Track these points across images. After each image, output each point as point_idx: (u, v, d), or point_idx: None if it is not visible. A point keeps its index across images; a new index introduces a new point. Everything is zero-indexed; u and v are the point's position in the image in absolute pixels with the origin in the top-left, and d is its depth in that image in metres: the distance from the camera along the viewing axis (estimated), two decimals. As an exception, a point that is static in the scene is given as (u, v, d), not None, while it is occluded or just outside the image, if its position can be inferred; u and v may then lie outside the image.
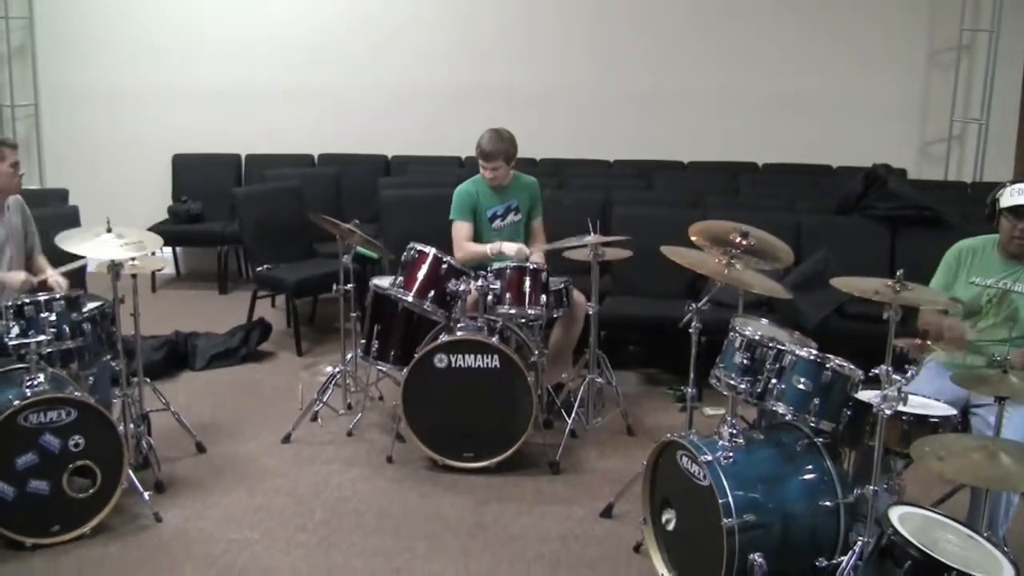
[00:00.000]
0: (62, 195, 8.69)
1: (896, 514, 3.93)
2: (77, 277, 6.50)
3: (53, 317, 5.28)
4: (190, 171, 11.10)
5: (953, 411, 4.64)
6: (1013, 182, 5.23)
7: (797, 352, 4.63)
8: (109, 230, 5.55)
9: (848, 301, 7.43)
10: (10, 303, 5.21)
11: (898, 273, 4.21)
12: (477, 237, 7.06)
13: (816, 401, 4.55)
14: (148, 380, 6.24)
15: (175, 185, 11.09)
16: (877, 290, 4.19)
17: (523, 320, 6.46)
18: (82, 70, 11.17)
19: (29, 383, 5.11)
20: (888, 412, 4.16)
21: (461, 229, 7.00)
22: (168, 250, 10.69)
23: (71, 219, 7.88)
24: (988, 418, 4.86)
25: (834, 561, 4.43)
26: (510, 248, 6.71)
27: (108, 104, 11.18)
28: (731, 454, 4.50)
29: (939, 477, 4.14)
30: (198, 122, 11.17)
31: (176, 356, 7.93)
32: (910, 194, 8.36)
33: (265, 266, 8.62)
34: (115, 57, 11.14)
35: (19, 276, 5.90)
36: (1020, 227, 5.13)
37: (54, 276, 6.05)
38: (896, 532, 3.74)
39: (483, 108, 10.59)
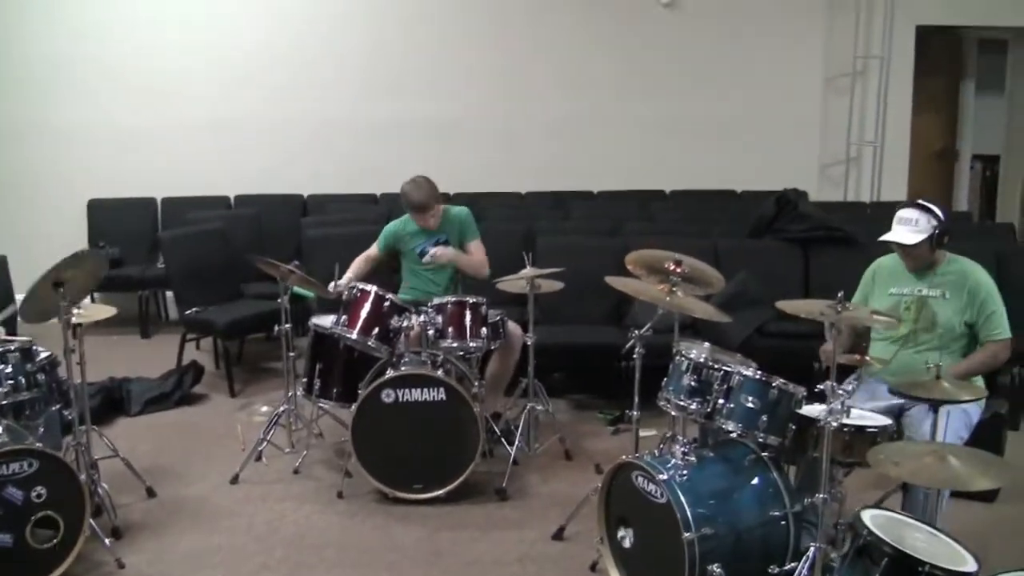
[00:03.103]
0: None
1: (868, 515, 4.18)
2: (8, 324, 6.49)
3: (9, 369, 5.32)
4: (106, 215, 11.09)
5: (889, 421, 4.91)
6: (903, 205, 5.68)
7: (743, 372, 4.87)
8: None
9: (768, 321, 7.73)
10: (-37, 357, 5.24)
11: (839, 295, 4.44)
12: (409, 271, 7.33)
13: (764, 418, 4.80)
14: (95, 428, 6.26)
15: (91, 229, 11.08)
16: (822, 311, 4.42)
17: (462, 353, 6.62)
18: (-2, 106, 11.09)
19: (-12, 435, 5.12)
20: (834, 425, 4.38)
21: (368, 250, 7.38)
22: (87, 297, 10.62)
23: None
24: (917, 419, 5.33)
25: (786, 567, 4.66)
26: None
27: (19, 146, 11.11)
28: (685, 471, 4.71)
29: (896, 480, 4.61)
30: (113, 165, 11.16)
31: (111, 402, 7.94)
32: (820, 216, 8.70)
33: (194, 309, 8.66)
34: (25, 96, 11.08)
35: None
36: (898, 252, 5.71)
37: None
38: (871, 532, 4.00)
39: (394, 143, 10.90)
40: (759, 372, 4.89)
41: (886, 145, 11.39)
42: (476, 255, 7.32)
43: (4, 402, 5.33)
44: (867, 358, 4.92)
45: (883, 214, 5.83)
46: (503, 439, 6.82)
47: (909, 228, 5.52)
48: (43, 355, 5.71)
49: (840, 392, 4.40)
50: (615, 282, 5.57)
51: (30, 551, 5.13)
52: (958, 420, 5.24)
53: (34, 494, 5.11)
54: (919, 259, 5.62)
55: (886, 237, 5.62)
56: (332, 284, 6.82)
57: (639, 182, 11.21)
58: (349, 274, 7.07)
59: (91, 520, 5.39)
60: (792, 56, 11.34)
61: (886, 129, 11.33)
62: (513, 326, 6.96)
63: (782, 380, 4.86)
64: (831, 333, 4.52)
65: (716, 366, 4.94)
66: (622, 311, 8.21)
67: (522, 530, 5.93)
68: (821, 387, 4.47)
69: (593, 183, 11.32)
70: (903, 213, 5.58)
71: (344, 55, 11.29)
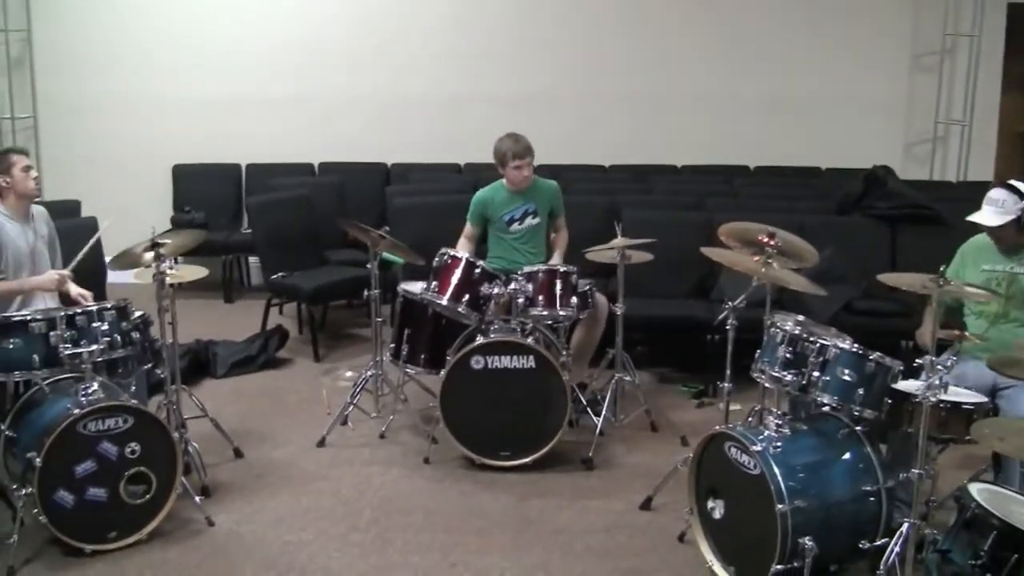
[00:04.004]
0: (74, 207, 8.73)
1: (975, 489, 4.15)
2: (97, 289, 6.52)
3: (105, 327, 5.35)
4: (191, 181, 11.21)
5: (984, 398, 4.89)
6: (993, 185, 5.64)
7: (840, 345, 4.83)
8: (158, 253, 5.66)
9: (855, 298, 7.67)
10: (63, 313, 5.29)
11: (941, 269, 4.40)
12: (495, 240, 7.33)
13: (860, 391, 4.76)
14: (185, 387, 6.35)
15: (176, 195, 11.20)
16: (924, 284, 4.39)
17: (551, 321, 6.63)
18: (80, 82, 11.22)
19: (84, 392, 5.21)
20: (932, 400, 4.35)
21: (465, 230, 7.32)
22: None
23: (90, 231, 7.96)
24: (1013, 397, 5.23)
25: (877, 543, 4.64)
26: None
27: (107, 115, 11.24)
28: (779, 443, 4.69)
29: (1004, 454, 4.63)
30: (197, 132, 11.27)
31: (198, 364, 8.05)
32: (908, 194, 8.60)
33: (279, 274, 8.74)
34: (113, 68, 11.22)
35: (50, 275, 6.01)
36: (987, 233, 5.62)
37: (77, 290, 6.12)
38: (979, 505, 3.97)
39: (478, 115, 10.87)
40: (856, 345, 4.85)
41: (974, 124, 11.21)
42: (562, 233, 7.42)
43: (100, 359, 5.37)
44: (965, 334, 4.87)
45: (970, 193, 5.80)
46: (589, 409, 6.82)
47: (995, 209, 5.47)
48: (137, 314, 5.75)
49: (939, 367, 4.36)
50: (711, 252, 5.55)
51: (123, 506, 5.23)
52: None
53: (128, 450, 5.20)
54: (1006, 239, 5.56)
55: (973, 217, 5.57)
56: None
57: (722, 158, 11.15)
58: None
59: (182, 478, 5.46)
60: (879, 33, 11.21)
61: (974, 108, 11.16)
62: (600, 297, 6.96)
63: (879, 353, 4.83)
64: (929, 308, 4.48)
65: (812, 338, 4.90)
66: (707, 285, 8.18)
67: (609, 500, 5.94)
68: (919, 362, 4.44)
69: (676, 158, 11.27)
70: (992, 194, 5.53)
71: (428, 28, 11.30)
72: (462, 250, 7.05)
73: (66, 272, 6.07)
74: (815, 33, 11.19)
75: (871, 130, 11.25)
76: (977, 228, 5.74)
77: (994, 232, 5.55)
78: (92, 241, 6.23)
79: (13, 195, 5.97)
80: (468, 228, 7.31)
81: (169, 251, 5.72)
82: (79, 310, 5.35)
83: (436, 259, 6.56)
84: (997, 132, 11.46)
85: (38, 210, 6.24)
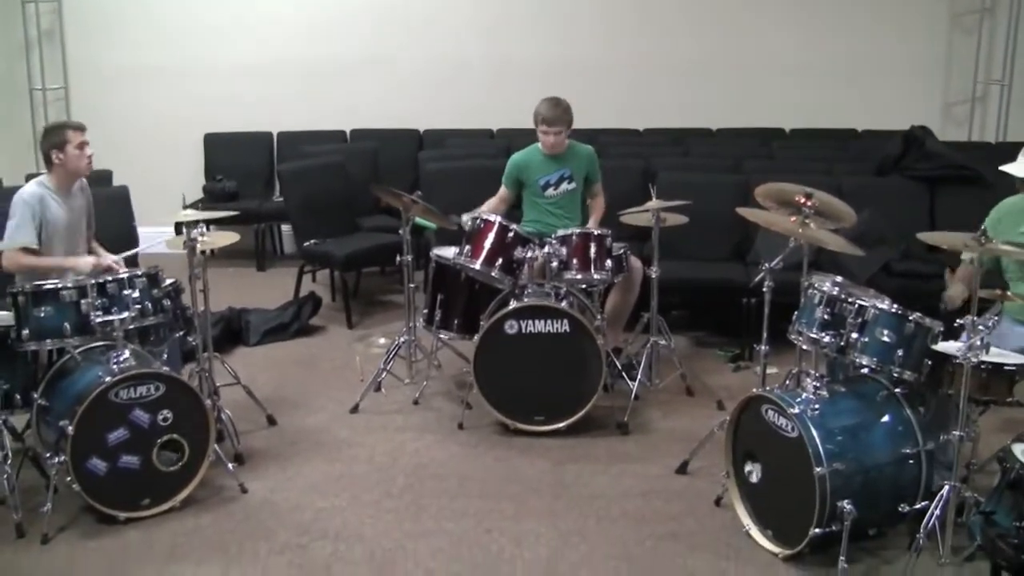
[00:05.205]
0: (106, 176, 8.73)
1: (1019, 449, 4.09)
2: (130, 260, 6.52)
3: (136, 294, 5.31)
4: (222, 150, 11.22)
5: (1027, 359, 4.79)
6: None
7: (879, 305, 4.75)
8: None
9: (893, 259, 7.58)
10: (93, 281, 5.26)
11: (982, 227, 4.32)
12: (530, 204, 7.26)
13: (900, 352, 4.67)
14: (217, 355, 6.32)
15: (208, 164, 11.21)
16: (965, 243, 4.31)
17: (585, 285, 6.57)
18: (110, 51, 11.23)
19: (116, 359, 5.20)
20: (973, 361, 4.27)
21: (499, 192, 7.28)
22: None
23: (123, 200, 7.97)
24: None
25: (917, 506, 4.59)
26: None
27: (137, 84, 11.24)
28: (817, 406, 4.63)
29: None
30: (228, 100, 11.26)
31: (231, 332, 8.05)
32: (948, 154, 8.51)
33: (312, 241, 8.71)
34: (142, 37, 11.23)
35: (87, 260, 5.98)
36: (1018, 184, 5.53)
37: (109, 259, 6.11)
38: (1024, 465, 3.91)
39: (511, 81, 10.80)
40: (895, 305, 4.77)
41: (1014, 84, 11.05)
42: (599, 199, 7.33)
43: (131, 326, 5.35)
44: (1008, 293, 4.78)
45: (1010, 154, 5.67)
46: (624, 374, 6.75)
47: None
48: (168, 282, 5.74)
49: (980, 327, 4.28)
50: (747, 213, 5.48)
51: (156, 473, 5.22)
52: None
53: (160, 417, 5.19)
54: None
55: (1006, 167, 5.50)
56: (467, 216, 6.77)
57: (758, 120, 11.03)
58: (481, 210, 7.00)
59: (215, 445, 5.44)
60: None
61: (1014, 68, 11.00)
62: (635, 260, 6.90)
63: (919, 314, 4.74)
64: (958, 270, 4.40)
65: (850, 299, 4.82)
66: (743, 248, 8.11)
67: (645, 464, 5.89)
68: (960, 322, 4.36)
69: (711, 121, 11.16)
70: None
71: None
72: (489, 205, 7.10)
73: (103, 263, 6.04)
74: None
75: (909, 91, 11.09)
76: (1008, 190, 5.66)
77: None
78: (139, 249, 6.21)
79: (64, 171, 5.93)
80: (502, 190, 7.26)
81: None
82: (110, 278, 5.32)
83: (469, 223, 6.50)
84: (1037, 92, 11.31)
85: (82, 181, 6.20)
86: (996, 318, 4.57)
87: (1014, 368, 4.62)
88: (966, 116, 11.31)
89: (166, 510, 5.26)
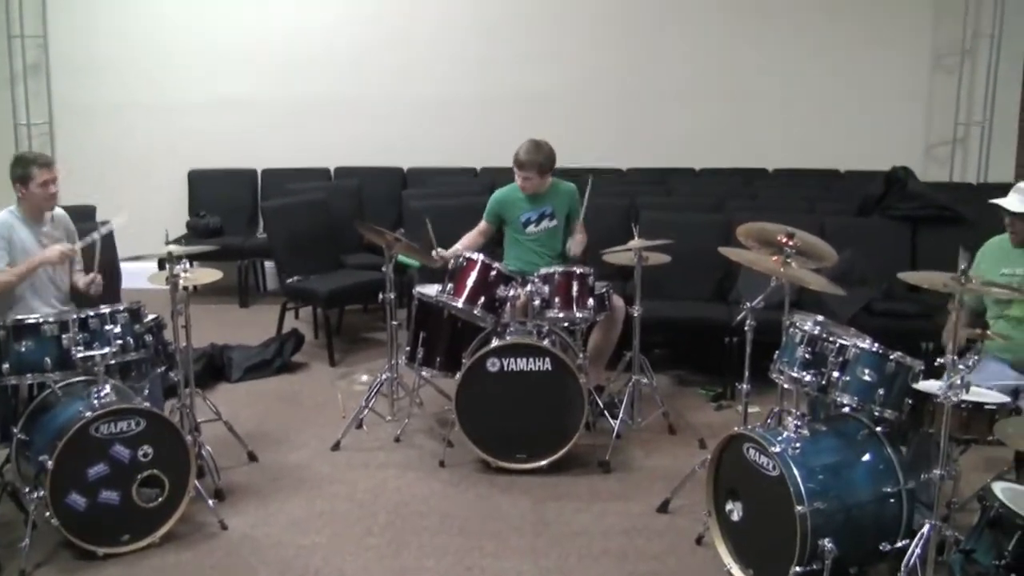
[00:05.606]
0: (89, 212, 8.71)
1: (998, 488, 4.10)
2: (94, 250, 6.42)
3: (118, 329, 5.35)
4: (206, 186, 11.21)
5: (1008, 398, 4.81)
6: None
7: (860, 345, 4.77)
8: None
9: (875, 299, 7.61)
10: (75, 316, 5.27)
11: (961, 267, 4.34)
12: (512, 241, 7.28)
13: (880, 391, 4.72)
14: (199, 391, 6.32)
15: (192, 200, 11.20)
16: (945, 283, 4.32)
17: (567, 324, 6.58)
18: (95, 87, 11.24)
19: (97, 395, 5.18)
20: (954, 400, 4.28)
21: (479, 225, 7.31)
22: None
23: (106, 235, 7.95)
24: None
25: (898, 545, 4.59)
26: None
27: (121, 120, 11.26)
28: (798, 444, 4.64)
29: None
30: (212, 137, 11.27)
31: (213, 368, 8.03)
32: (929, 195, 8.55)
33: (295, 277, 8.70)
34: (128, 73, 11.24)
35: (54, 249, 5.95)
36: (1006, 221, 5.62)
37: (84, 280, 6.17)
38: (1004, 505, 3.92)
39: (494, 119, 10.88)
40: (876, 344, 4.80)
41: (994, 125, 11.13)
42: (580, 236, 7.30)
43: (113, 362, 5.36)
44: (989, 332, 4.79)
45: (990, 195, 5.75)
46: (606, 412, 6.76)
47: (1020, 197, 5.44)
48: (150, 317, 5.75)
49: (961, 367, 4.30)
50: (729, 252, 5.49)
51: (136, 509, 5.21)
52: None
53: (141, 453, 5.18)
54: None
55: (997, 200, 5.56)
56: (435, 252, 6.79)
57: (741, 160, 11.07)
58: (458, 245, 7.03)
59: (195, 481, 5.43)
60: (899, 34, 11.10)
61: (995, 109, 11.08)
62: (617, 299, 6.91)
63: (900, 353, 4.77)
64: (953, 306, 4.41)
65: (831, 338, 4.85)
66: (725, 287, 8.13)
67: (627, 503, 5.89)
68: (940, 361, 4.37)
69: (695, 161, 11.20)
70: (1022, 184, 5.51)
71: (444, 31, 11.25)
72: (467, 239, 7.15)
73: (71, 247, 6.03)
74: (835, 34, 11.11)
75: (891, 132, 11.15)
76: (990, 231, 5.71)
77: (1015, 221, 5.52)
78: (104, 230, 6.15)
79: (28, 203, 5.97)
80: (482, 224, 7.29)
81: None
82: (92, 312, 5.33)
83: (452, 261, 6.54)
84: (1017, 133, 11.35)
85: (58, 213, 6.22)
86: (977, 357, 4.58)
87: (994, 407, 4.63)
88: (947, 157, 11.37)
89: (145, 546, 5.23)
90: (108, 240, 7.70)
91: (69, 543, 5.08)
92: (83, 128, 11.29)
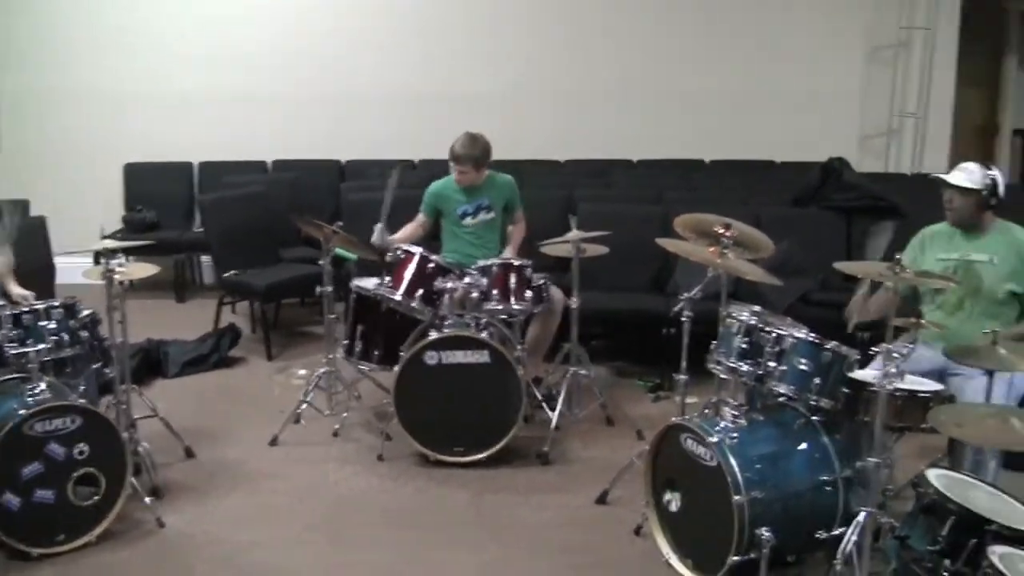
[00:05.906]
0: (22, 206, 8.62)
1: (932, 475, 4.14)
2: (46, 287, 6.41)
3: (53, 325, 5.30)
4: (142, 180, 11.07)
5: (941, 386, 4.87)
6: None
7: (796, 335, 4.81)
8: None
9: (811, 289, 7.67)
10: (8, 312, 5.20)
11: (896, 257, 4.37)
12: (449, 234, 7.27)
13: (816, 381, 4.74)
14: (135, 387, 6.24)
15: (127, 194, 11.06)
16: (880, 272, 4.36)
17: (505, 316, 6.58)
18: (29, 78, 11.03)
19: (31, 392, 5.11)
20: (888, 389, 4.32)
21: (417, 218, 7.30)
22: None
23: (38, 229, 7.88)
24: (963, 385, 5.24)
25: (834, 532, 4.64)
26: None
27: (57, 112, 11.08)
28: (735, 434, 4.67)
29: (962, 440, 4.61)
30: (149, 130, 11.11)
31: (149, 363, 7.94)
32: (865, 185, 8.64)
33: (232, 272, 8.64)
34: (63, 64, 11.05)
35: None
36: (944, 198, 5.61)
37: (19, 291, 6.05)
38: (937, 491, 3.96)
39: (432, 112, 10.80)
40: (812, 334, 4.84)
41: (928, 117, 11.25)
42: (520, 225, 7.37)
43: (47, 358, 5.31)
44: (923, 321, 4.83)
45: (924, 186, 5.81)
46: (544, 404, 6.76)
47: (964, 174, 5.49)
48: (85, 312, 5.67)
49: (895, 355, 4.33)
50: (667, 244, 5.49)
51: (71, 508, 5.13)
52: (1003, 387, 5.15)
53: (76, 451, 5.11)
54: (962, 212, 5.54)
55: (940, 174, 5.61)
56: (375, 235, 6.79)
57: (678, 152, 11.11)
58: (396, 237, 7.00)
59: (132, 478, 5.37)
60: (835, 26, 11.18)
61: (929, 101, 11.20)
62: (556, 291, 6.90)
63: (835, 343, 4.82)
64: (867, 289, 4.47)
65: (768, 329, 4.88)
66: (662, 278, 8.15)
67: (565, 494, 5.90)
68: (876, 349, 4.41)
69: (633, 152, 11.23)
70: (964, 164, 5.57)
71: (382, 24, 11.20)
72: (405, 232, 7.13)
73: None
74: (770, 27, 11.17)
75: (827, 123, 11.21)
76: (922, 221, 5.76)
77: (953, 197, 5.54)
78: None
79: None
80: (420, 216, 7.27)
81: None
82: (25, 308, 5.27)
83: (390, 254, 6.52)
84: (951, 125, 11.48)
85: None
86: (911, 346, 4.62)
87: (928, 395, 4.67)
88: (883, 148, 11.47)
89: (81, 545, 5.16)
90: (42, 235, 7.66)
91: (2, 544, 5.01)
92: (16, 120, 11.09)
